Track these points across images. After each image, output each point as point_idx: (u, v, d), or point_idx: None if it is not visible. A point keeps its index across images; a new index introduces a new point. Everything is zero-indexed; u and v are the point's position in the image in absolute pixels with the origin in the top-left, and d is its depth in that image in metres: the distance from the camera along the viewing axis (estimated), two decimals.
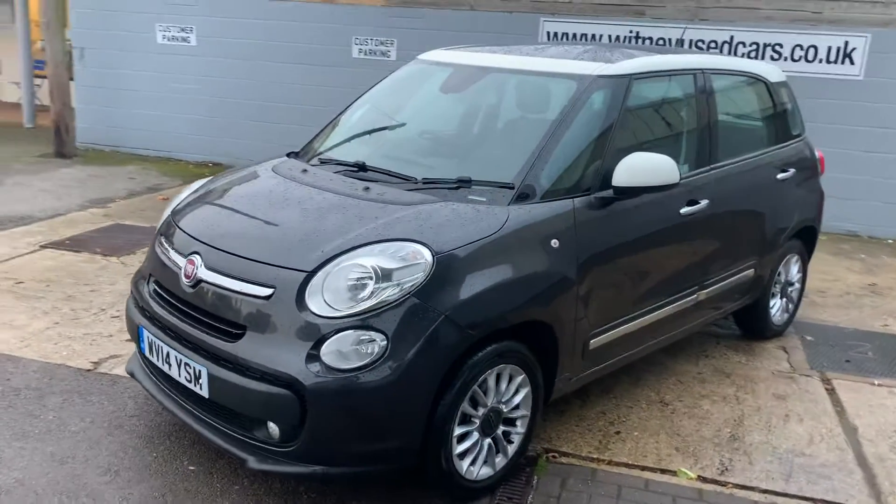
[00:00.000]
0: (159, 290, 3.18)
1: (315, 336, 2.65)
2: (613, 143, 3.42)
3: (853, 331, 5.21)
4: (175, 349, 2.96)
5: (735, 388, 4.23)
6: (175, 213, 3.41)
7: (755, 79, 4.53)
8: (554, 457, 3.45)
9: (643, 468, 3.40)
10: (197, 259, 2.99)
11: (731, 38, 8.03)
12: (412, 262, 2.76)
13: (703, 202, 3.86)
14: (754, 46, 7.97)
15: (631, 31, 8.27)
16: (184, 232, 3.18)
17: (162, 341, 3.03)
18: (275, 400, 2.66)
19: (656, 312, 3.75)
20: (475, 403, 2.98)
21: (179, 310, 3.02)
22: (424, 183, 3.25)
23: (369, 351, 2.64)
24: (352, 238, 2.85)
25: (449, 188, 3.20)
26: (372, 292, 2.69)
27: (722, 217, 4.06)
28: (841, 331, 5.21)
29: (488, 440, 3.08)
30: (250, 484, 3.07)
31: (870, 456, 3.62)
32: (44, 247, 5.94)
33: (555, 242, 3.11)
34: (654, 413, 3.90)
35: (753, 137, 4.56)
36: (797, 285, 5.06)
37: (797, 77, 7.74)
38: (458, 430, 2.91)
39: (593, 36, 8.38)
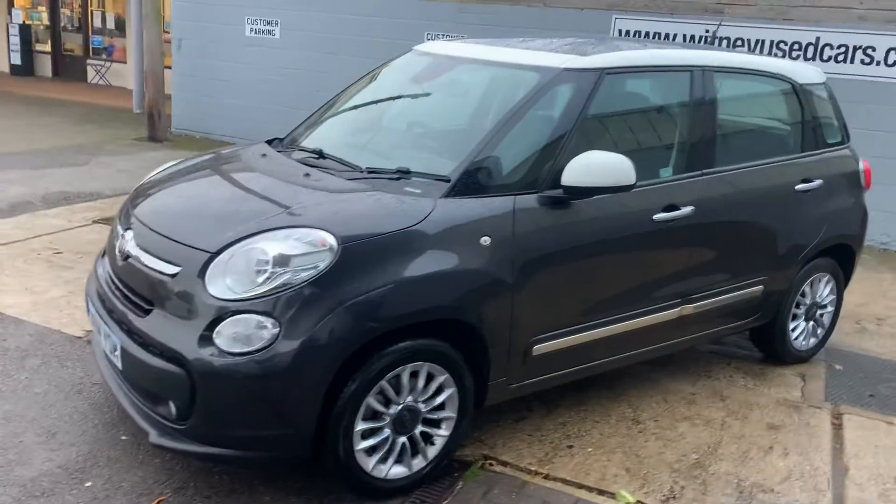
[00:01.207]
0: (105, 264, 3.31)
1: (209, 317, 2.66)
2: (573, 141, 3.22)
3: None
4: (104, 320, 3.06)
5: (725, 413, 3.91)
6: (137, 189, 3.53)
7: (778, 79, 4.15)
8: (491, 464, 3.31)
9: (580, 486, 3.20)
10: (129, 234, 3.08)
11: (817, 39, 7.43)
12: (316, 249, 2.72)
13: (687, 209, 3.57)
14: (842, 49, 7.35)
15: (707, 31, 7.83)
16: (130, 208, 3.29)
17: (97, 312, 3.14)
18: (170, 377, 2.69)
19: (622, 324, 3.51)
20: (387, 400, 2.90)
21: (112, 283, 3.12)
22: (368, 172, 3.20)
23: (260, 336, 2.62)
24: (262, 222, 2.84)
25: (389, 178, 3.13)
26: (268, 277, 2.67)
27: (714, 227, 3.75)
28: (880, 363, 4.71)
29: (402, 439, 2.99)
30: (171, 458, 3.13)
31: (850, 501, 3.25)
32: (95, 222, 6.32)
33: (485, 240, 2.98)
34: (620, 430, 3.66)
35: (768, 144, 4.19)
36: (829, 308, 4.61)
37: (891, 84, 7.10)
38: (362, 426, 2.84)
39: (667, 35, 7.99)
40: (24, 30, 16.69)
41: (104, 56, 16.61)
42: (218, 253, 2.76)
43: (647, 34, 8.05)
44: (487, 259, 2.98)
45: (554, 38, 4.00)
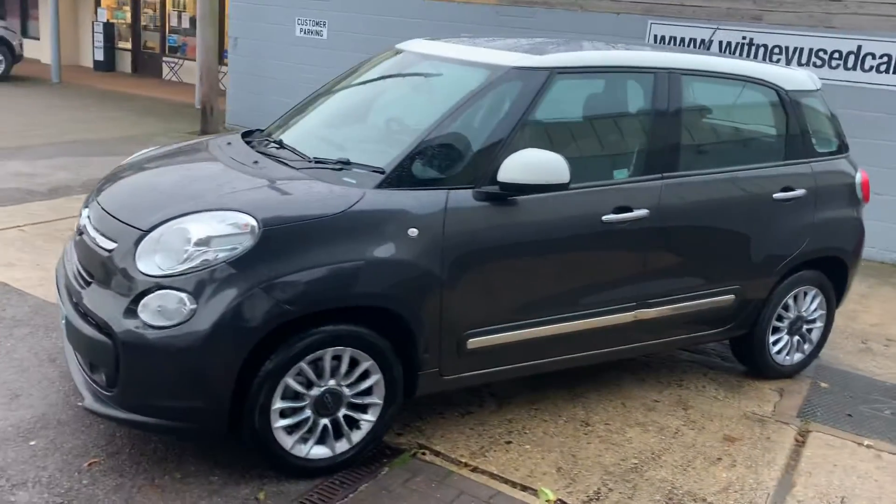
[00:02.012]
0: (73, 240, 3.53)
1: (135, 291, 2.82)
2: (516, 139, 3.25)
3: (890, 386, 4.49)
4: (60, 292, 3.27)
5: (683, 422, 3.84)
6: (112, 171, 3.74)
7: (760, 85, 4.04)
8: (423, 453, 3.36)
9: (504, 480, 3.22)
10: (85, 212, 3.28)
11: (858, 48, 7.14)
12: (238, 231, 2.84)
13: (640, 212, 3.53)
14: (885, 59, 7.04)
15: (744, 38, 7.63)
16: (97, 188, 3.50)
17: (58, 285, 3.36)
18: (99, 346, 2.86)
19: (568, 324, 3.50)
20: (309, 382, 3.00)
21: (70, 257, 3.33)
22: (315, 162, 3.31)
23: (180, 311, 2.76)
24: (194, 204, 2.98)
25: (331, 168, 3.23)
26: (190, 256, 2.81)
27: (675, 231, 3.69)
28: (873, 383, 4.51)
29: (325, 421, 3.07)
30: (115, 425, 3.30)
31: None
32: None
33: (413, 232, 3.04)
34: (566, 430, 3.65)
35: (744, 150, 4.09)
36: (818, 324, 4.45)
37: None
38: (280, 404, 2.95)
39: (703, 41, 7.83)
40: (108, 28, 17.60)
41: (178, 54, 17.36)
42: (149, 231, 2.91)
43: (682, 40, 7.90)
44: (414, 251, 3.04)
45: (536, 37, 4.03)
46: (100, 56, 17.70)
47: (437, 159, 3.19)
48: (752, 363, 4.36)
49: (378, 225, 3.01)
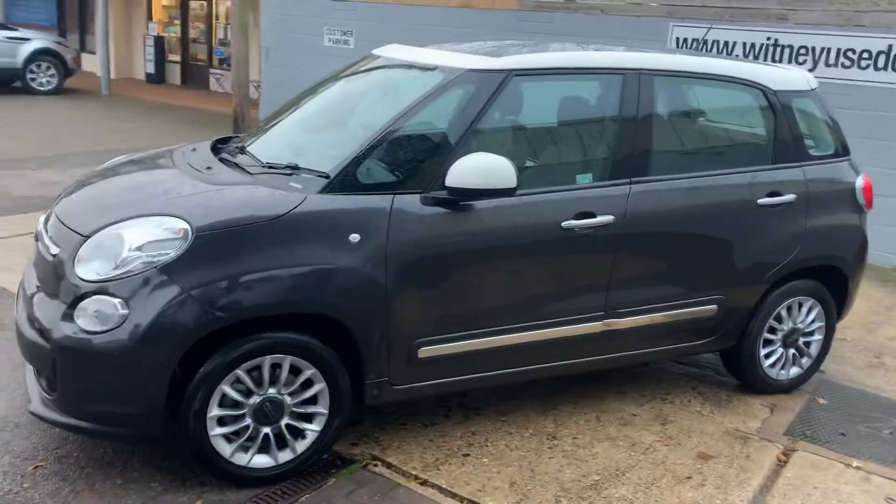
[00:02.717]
0: None
1: (72, 296, 2.83)
2: (468, 143, 3.16)
3: (894, 404, 4.22)
4: (18, 300, 3.32)
5: (658, 438, 3.67)
6: (79, 180, 3.78)
7: (743, 85, 3.84)
8: (375, 465, 3.29)
9: (453, 495, 3.12)
10: (42, 218, 3.33)
11: (889, 47, 6.79)
12: (172, 236, 2.83)
13: (605, 217, 3.39)
14: None
15: (769, 39, 7.35)
16: (58, 196, 3.54)
17: (18, 293, 3.41)
18: (40, 350, 2.89)
19: (529, 333, 3.38)
20: (249, 390, 2.96)
21: (31, 265, 3.38)
22: (268, 167, 3.28)
23: (112, 316, 2.76)
24: (136, 210, 2.98)
25: (281, 173, 3.20)
26: (124, 261, 2.81)
27: (645, 238, 3.54)
28: (877, 401, 4.24)
29: (266, 430, 3.03)
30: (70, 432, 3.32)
31: None
32: None
33: (354, 237, 2.98)
34: (530, 444, 3.52)
35: (724, 154, 3.89)
36: (817, 336, 4.20)
37: None
38: (217, 412, 2.92)
39: (726, 43, 7.57)
40: (159, 41, 18.12)
41: (225, 66, 17.73)
42: (89, 236, 2.93)
43: (704, 43, 7.66)
44: (356, 257, 2.98)
45: (507, 40, 3.94)
46: (151, 69, 18.22)
47: (383, 164, 3.13)
48: (743, 377, 4.16)
49: (317, 230, 2.96)
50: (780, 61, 7.28)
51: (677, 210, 3.62)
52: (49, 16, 20.45)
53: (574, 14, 8.49)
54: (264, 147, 3.58)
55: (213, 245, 2.84)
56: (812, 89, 4.09)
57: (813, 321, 4.17)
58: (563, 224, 3.32)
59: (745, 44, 7.48)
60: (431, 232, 3.12)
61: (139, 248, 2.82)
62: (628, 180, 3.49)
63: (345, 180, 3.05)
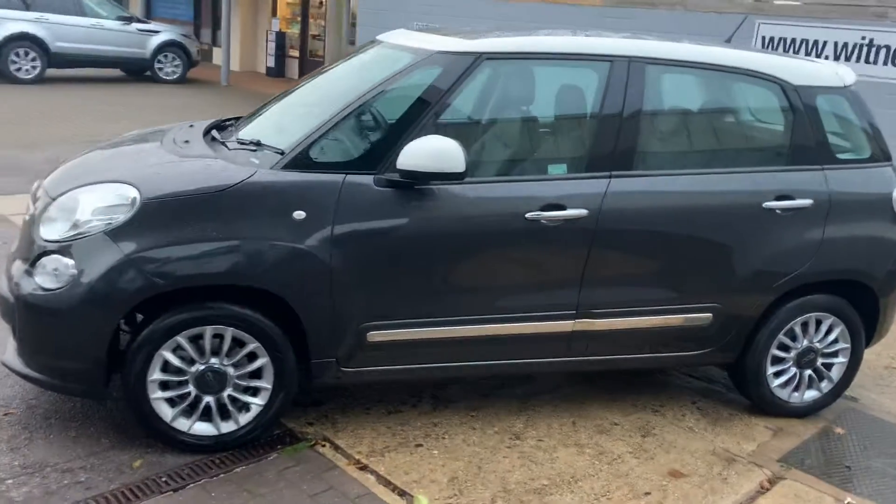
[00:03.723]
0: None
1: (34, 254, 3.00)
2: (429, 126, 3.09)
3: None
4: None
5: (629, 449, 3.44)
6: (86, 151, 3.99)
7: (757, 78, 3.52)
8: (323, 445, 3.28)
9: (387, 482, 3.06)
10: (35, 184, 3.54)
11: None
12: (122, 202, 2.94)
13: (576, 211, 3.22)
14: None
15: (863, 38, 6.76)
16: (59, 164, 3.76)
17: None
18: (7, 304, 3.08)
19: (486, 326, 3.26)
20: (192, 358, 3.03)
21: None
22: (239, 143, 3.35)
23: (64, 275, 2.90)
24: (100, 176, 3.12)
25: (246, 149, 3.25)
26: (77, 223, 2.94)
27: (623, 235, 3.33)
28: None
29: (209, 399, 3.09)
30: None
31: None
32: None
33: (299, 214, 2.98)
34: (488, 441, 3.40)
35: (727, 150, 3.58)
36: (840, 359, 3.81)
37: None
38: (158, 376, 3.00)
39: (815, 42, 7.03)
40: (280, 37, 18.92)
41: None
42: (55, 199, 3.09)
43: (792, 42, 7.14)
44: (299, 234, 2.98)
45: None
46: (272, 63, 19.04)
47: (339, 143, 3.11)
48: (749, 395, 3.83)
49: (261, 205, 2.98)
50: (876, 63, 6.68)
51: (665, 208, 3.38)
52: (187, 11, 21.80)
53: (655, 10, 8.15)
54: (255, 125, 3.64)
55: (159, 213, 2.92)
56: (845, 86, 3.70)
57: (835, 342, 3.78)
58: (528, 215, 3.18)
59: (836, 43, 6.93)
60: (382, 214, 3.07)
61: (93, 212, 2.95)
62: (608, 174, 3.30)
63: (298, 157, 3.06)
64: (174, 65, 15.77)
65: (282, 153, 3.09)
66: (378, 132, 3.13)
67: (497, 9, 9.64)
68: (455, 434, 3.45)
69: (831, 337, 3.77)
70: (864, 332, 3.82)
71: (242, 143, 3.31)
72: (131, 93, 13.88)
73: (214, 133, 3.61)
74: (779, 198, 3.50)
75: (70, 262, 2.90)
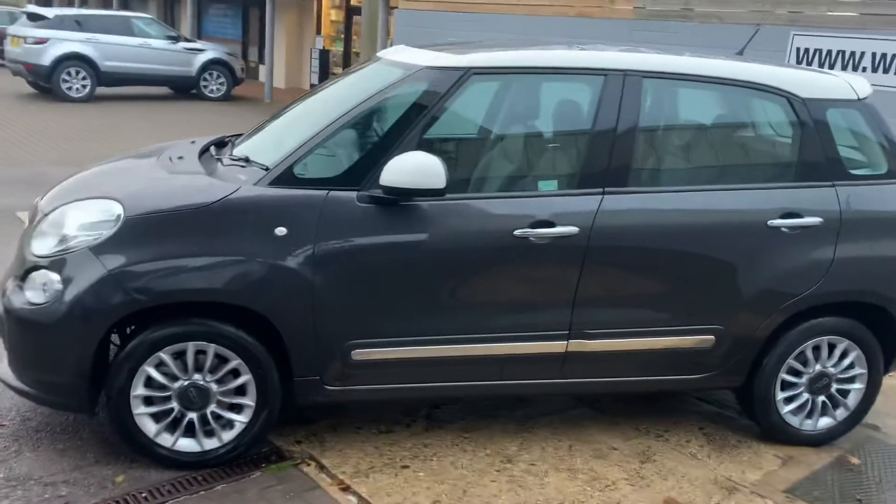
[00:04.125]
0: None
1: (24, 269, 3.05)
2: (413, 141, 3.04)
3: None
4: None
5: (625, 475, 3.31)
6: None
7: (762, 91, 3.38)
8: (308, 464, 3.24)
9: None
10: (36, 200, 3.61)
11: None
12: (107, 218, 2.97)
13: (566, 228, 3.12)
14: None
15: None
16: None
17: None
18: (1, 317, 3.13)
19: (475, 346, 3.18)
20: (174, 375, 3.03)
21: None
22: (231, 160, 3.36)
23: (50, 290, 2.93)
24: (90, 192, 3.16)
25: (237, 166, 3.26)
26: (64, 239, 2.98)
27: (617, 254, 3.22)
28: None
29: (192, 415, 3.08)
30: None
31: None
32: None
33: (280, 230, 2.96)
34: (478, 465, 3.31)
35: (728, 166, 3.45)
36: (857, 385, 3.61)
37: None
38: (142, 391, 3.01)
39: (853, 53, 6.78)
40: (324, 54, 19.16)
41: None
42: (47, 215, 3.14)
43: (828, 53, 6.91)
44: (281, 250, 2.96)
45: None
46: (315, 80, 19.31)
47: (323, 159, 3.09)
48: (758, 421, 3.66)
49: (243, 221, 2.97)
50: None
51: (662, 226, 3.26)
52: (236, 30, 22.34)
53: (689, 22, 7.99)
54: (251, 141, 3.65)
55: (142, 229, 2.94)
56: (859, 99, 3.53)
57: (850, 367, 3.60)
58: (516, 232, 3.10)
59: (874, 54, 6.66)
60: (366, 231, 3.04)
61: (79, 228, 2.99)
62: (601, 190, 3.20)
63: (283, 174, 3.05)
64: (219, 82, 16.12)
65: (267, 169, 3.08)
66: (363, 148, 3.10)
67: (530, 24, 9.59)
68: (444, 456, 3.37)
69: (846, 362, 3.59)
70: (883, 356, 3.63)
71: (234, 160, 3.32)
72: (177, 110, 14.22)
73: (213, 150, 3.63)
74: (785, 215, 3.35)
75: (56, 276, 2.93)
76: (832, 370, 3.59)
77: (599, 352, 3.32)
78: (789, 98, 3.41)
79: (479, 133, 3.36)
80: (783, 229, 3.35)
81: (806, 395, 3.61)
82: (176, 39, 15.81)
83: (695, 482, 3.31)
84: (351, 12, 18.77)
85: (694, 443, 3.65)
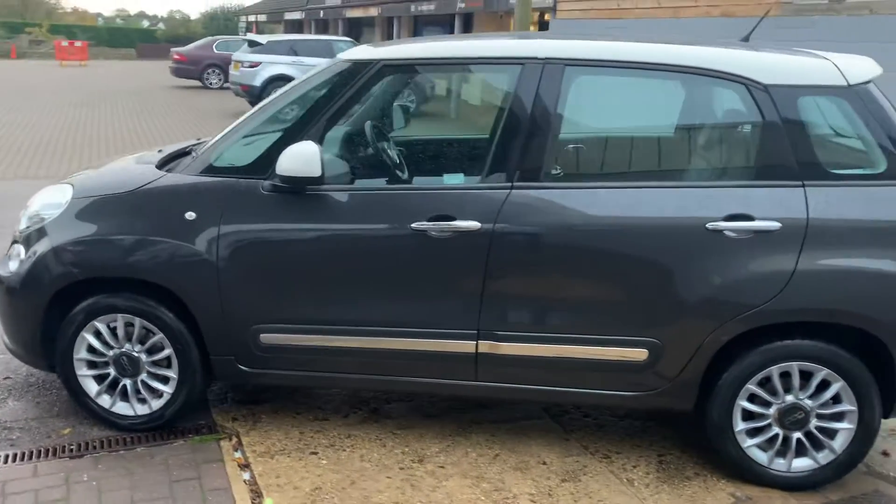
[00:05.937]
0: None
1: (10, 241, 3.56)
2: (319, 132, 3.11)
3: None
4: None
5: (531, 491, 3.07)
6: None
7: (714, 78, 2.96)
8: (229, 440, 3.41)
9: (252, 483, 3.09)
10: None
11: None
12: (62, 201, 3.37)
13: (467, 223, 2.98)
14: None
15: None
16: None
17: None
18: None
19: (381, 339, 3.15)
20: (109, 344, 3.35)
21: None
22: (194, 152, 3.65)
23: (19, 262, 3.41)
24: (69, 178, 3.60)
25: (191, 157, 3.54)
26: (31, 217, 3.45)
27: (525, 251, 3.01)
28: None
29: (126, 382, 3.38)
30: None
31: None
32: None
33: (190, 215, 3.16)
34: (385, 461, 3.26)
35: (665, 162, 3.06)
36: (845, 424, 3.03)
37: None
38: (84, 355, 3.36)
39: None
40: None
41: None
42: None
43: None
44: (189, 233, 3.17)
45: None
46: None
47: (240, 149, 3.26)
48: (719, 455, 3.20)
49: (159, 206, 3.23)
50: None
51: (578, 225, 2.99)
52: None
53: (837, 16, 7.08)
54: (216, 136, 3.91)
55: (83, 210, 3.30)
56: (850, 86, 2.97)
57: (836, 402, 3.03)
58: (414, 225, 3.03)
59: None
60: (267, 219, 3.15)
61: (41, 207, 3.43)
62: (508, 185, 3.02)
63: (204, 162, 3.26)
64: (409, 100, 16.95)
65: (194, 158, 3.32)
66: (272, 138, 3.22)
67: (674, 27, 9.06)
68: (359, 448, 3.36)
69: (827, 395, 3.03)
70: (881, 395, 3.01)
71: (195, 153, 3.60)
72: None
73: (193, 143, 3.96)
74: (730, 218, 2.92)
75: (23, 249, 3.39)
76: (809, 403, 3.05)
77: (513, 356, 3.12)
78: (747, 85, 2.97)
79: (387, 125, 3.32)
80: (727, 233, 2.92)
81: (776, 430, 3.10)
82: None
83: None
84: (543, 27, 18.85)
85: (640, 469, 3.28)
